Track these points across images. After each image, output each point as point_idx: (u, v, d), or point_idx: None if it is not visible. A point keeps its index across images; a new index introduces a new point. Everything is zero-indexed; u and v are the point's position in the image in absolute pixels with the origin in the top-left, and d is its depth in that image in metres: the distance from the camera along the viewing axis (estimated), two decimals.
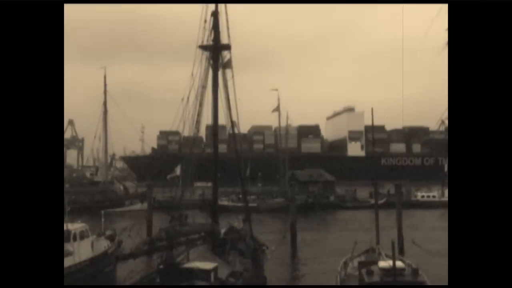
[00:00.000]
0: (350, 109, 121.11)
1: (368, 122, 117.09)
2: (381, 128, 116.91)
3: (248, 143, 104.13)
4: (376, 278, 13.80)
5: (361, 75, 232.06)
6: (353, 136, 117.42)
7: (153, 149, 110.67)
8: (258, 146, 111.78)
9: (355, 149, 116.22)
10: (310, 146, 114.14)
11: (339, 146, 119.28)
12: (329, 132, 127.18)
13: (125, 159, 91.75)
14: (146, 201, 36.45)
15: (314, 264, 25.93)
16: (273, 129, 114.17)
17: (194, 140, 21.33)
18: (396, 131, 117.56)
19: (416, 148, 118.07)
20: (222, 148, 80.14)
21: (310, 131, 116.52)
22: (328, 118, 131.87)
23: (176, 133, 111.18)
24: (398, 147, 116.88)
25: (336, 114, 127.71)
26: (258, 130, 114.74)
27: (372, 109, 20.47)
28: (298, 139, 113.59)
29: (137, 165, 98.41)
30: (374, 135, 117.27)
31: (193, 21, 19.72)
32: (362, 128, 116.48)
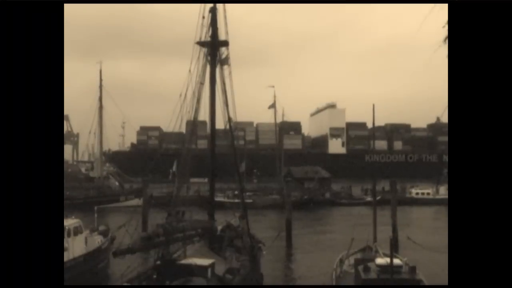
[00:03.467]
0: (331, 106, 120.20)
1: (349, 119, 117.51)
2: (363, 125, 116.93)
3: (228, 139, 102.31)
4: (372, 275, 13.78)
5: (353, 73, 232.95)
6: (334, 133, 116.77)
7: (132, 144, 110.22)
8: (239, 142, 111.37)
9: (336, 146, 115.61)
10: (291, 143, 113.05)
11: (321, 142, 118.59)
12: (312, 129, 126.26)
13: (105, 154, 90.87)
14: (142, 197, 36.47)
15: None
16: (254, 126, 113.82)
17: (191, 136, 21.32)
18: (377, 128, 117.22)
19: (398, 145, 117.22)
20: (203, 143, 79.93)
21: (291, 128, 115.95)
22: (312, 115, 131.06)
23: (156, 128, 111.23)
24: (380, 144, 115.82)
25: (319, 111, 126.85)
26: (239, 127, 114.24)
27: (373, 105, 20.66)
28: (279, 135, 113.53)
29: (117, 160, 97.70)
30: (355, 133, 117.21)
31: (191, 17, 19.69)
32: (343, 125, 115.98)
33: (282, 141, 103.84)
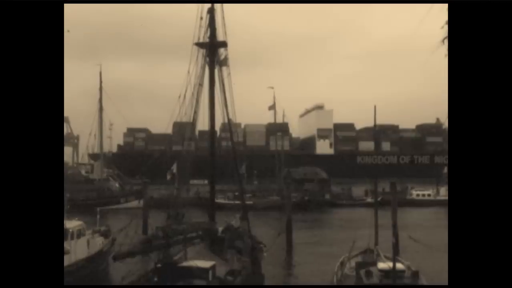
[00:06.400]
0: (319, 107, 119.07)
1: (336, 120, 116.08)
2: (350, 126, 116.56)
3: (217, 141, 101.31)
4: (375, 280, 13.64)
5: (346, 74, 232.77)
6: (322, 134, 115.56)
7: (119, 146, 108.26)
8: (226, 144, 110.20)
9: (324, 147, 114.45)
10: (278, 144, 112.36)
11: (309, 144, 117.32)
12: (301, 130, 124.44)
13: (92, 156, 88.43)
14: (142, 199, 36.47)
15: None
16: (242, 127, 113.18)
17: (190, 138, 21.29)
18: (366, 129, 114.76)
19: (386, 146, 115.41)
20: (190, 145, 78.64)
21: (279, 129, 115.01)
22: (301, 116, 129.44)
23: (143, 130, 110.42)
24: (367, 145, 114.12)
25: (307, 112, 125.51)
26: (227, 128, 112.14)
27: (375, 106, 20.71)
28: (266, 136, 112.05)
29: (105, 162, 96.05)
30: (343, 134, 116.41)
31: (189, 18, 19.68)
32: (331, 126, 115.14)
33: (267, 142, 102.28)
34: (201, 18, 18.80)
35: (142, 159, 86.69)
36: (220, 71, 19.49)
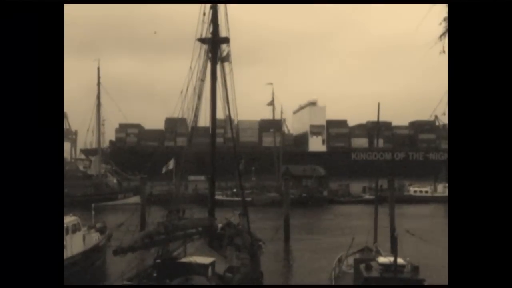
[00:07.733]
0: (312, 103, 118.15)
1: (329, 116, 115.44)
2: (343, 123, 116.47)
3: (209, 137, 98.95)
4: (375, 273, 13.64)
5: (342, 72, 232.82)
6: (315, 130, 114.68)
7: (110, 142, 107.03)
8: (219, 140, 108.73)
9: (316, 144, 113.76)
10: (271, 140, 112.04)
11: (302, 140, 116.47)
12: (294, 127, 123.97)
13: (84, 151, 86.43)
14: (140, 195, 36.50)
15: None
16: (235, 123, 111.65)
17: (191, 134, 21.28)
18: (359, 126, 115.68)
19: (379, 143, 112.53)
20: (182, 141, 77.74)
21: (271, 125, 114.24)
22: (294, 113, 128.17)
23: (135, 126, 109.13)
24: (360, 142, 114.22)
25: (300, 109, 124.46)
26: (220, 124, 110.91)
27: (378, 104, 20.75)
28: (259, 133, 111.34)
29: (102, 158, 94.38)
30: (336, 130, 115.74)
31: (190, 15, 19.67)
32: (323, 123, 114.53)
33: (260, 138, 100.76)
34: (204, 14, 18.78)
35: (134, 154, 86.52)
36: (222, 67, 19.48)
